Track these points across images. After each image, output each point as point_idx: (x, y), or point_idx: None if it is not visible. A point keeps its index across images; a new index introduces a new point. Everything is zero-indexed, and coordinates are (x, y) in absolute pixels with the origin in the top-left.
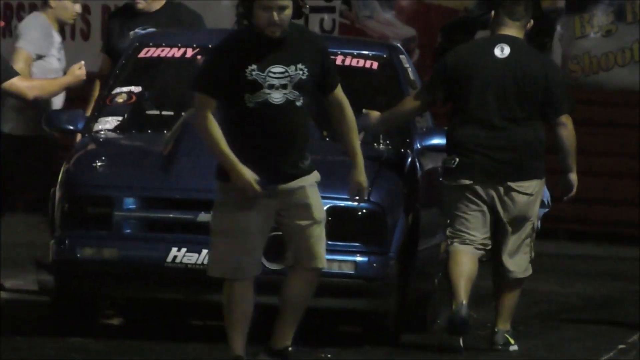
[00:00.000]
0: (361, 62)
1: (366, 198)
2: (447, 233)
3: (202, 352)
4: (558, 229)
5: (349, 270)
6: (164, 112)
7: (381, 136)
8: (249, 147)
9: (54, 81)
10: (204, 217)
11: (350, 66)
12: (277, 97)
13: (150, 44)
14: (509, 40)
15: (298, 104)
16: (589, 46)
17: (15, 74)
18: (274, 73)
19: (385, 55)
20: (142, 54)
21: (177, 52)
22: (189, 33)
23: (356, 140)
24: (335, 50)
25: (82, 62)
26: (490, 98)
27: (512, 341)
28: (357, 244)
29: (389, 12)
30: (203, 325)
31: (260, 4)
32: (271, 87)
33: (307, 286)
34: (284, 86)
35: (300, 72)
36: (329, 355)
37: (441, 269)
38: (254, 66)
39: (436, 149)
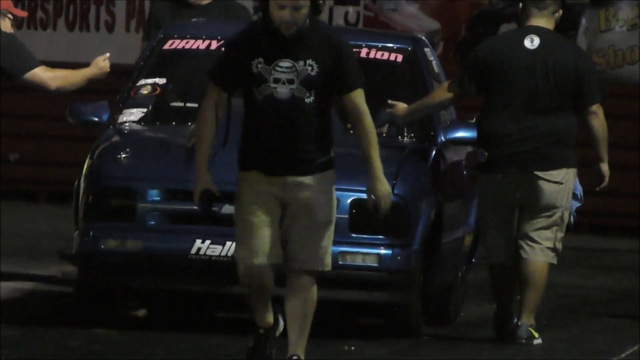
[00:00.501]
0: (386, 55)
1: (386, 207)
2: (482, 237)
3: (226, 344)
4: (581, 222)
5: (372, 262)
6: (188, 104)
7: (405, 129)
8: (256, 139)
9: (78, 72)
10: (228, 209)
11: (374, 59)
12: (282, 91)
13: (175, 35)
14: (538, 31)
15: (307, 100)
16: (613, 40)
17: (37, 64)
18: (281, 67)
19: (409, 48)
20: (166, 46)
21: (201, 44)
22: (214, 25)
23: (374, 151)
24: (359, 43)
25: (107, 54)
26: (520, 89)
27: (537, 335)
28: (380, 237)
29: (413, 4)
30: (227, 318)
31: (275, 2)
32: (277, 81)
33: (302, 294)
34: (291, 81)
35: (309, 68)
36: (352, 348)
37: (465, 263)
38: (261, 59)
39: (460, 141)
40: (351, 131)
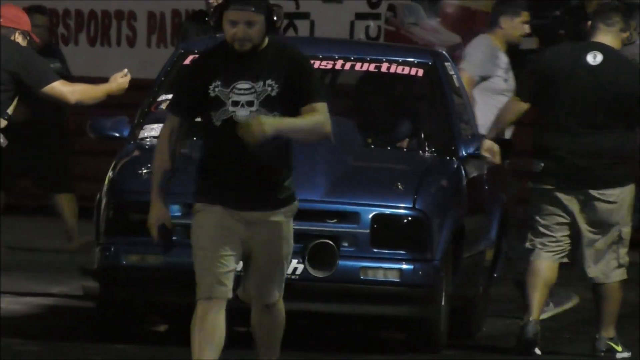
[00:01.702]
0: (406, 70)
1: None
2: (529, 236)
3: (246, 359)
4: None
5: (394, 277)
6: None
7: (426, 143)
8: (215, 167)
9: (97, 87)
10: None
11: (395, 73)
12: (242, 114)
13: (195, 51)
14: (602, 47)
15: None
16: (636, 52)
17: (56, 78)
18: (239, 89)
19: (430, 63)
20: (186, 61)
21: None
22: None
23: (297, 120)
24: (380, 58)
25: (126, 70)
26: (578, 104)
27: (619, 348)
28: (402, 252)
29: (434, 18)
30: (246, 332)
31: (227, 18)
32: (235, 104)
33: (266, 320)
34: (250, 103)
35: (269, 89)
36: None
37: (487, 277)
38: (218, 82)
39: (481, 156)
40: (372, 145)
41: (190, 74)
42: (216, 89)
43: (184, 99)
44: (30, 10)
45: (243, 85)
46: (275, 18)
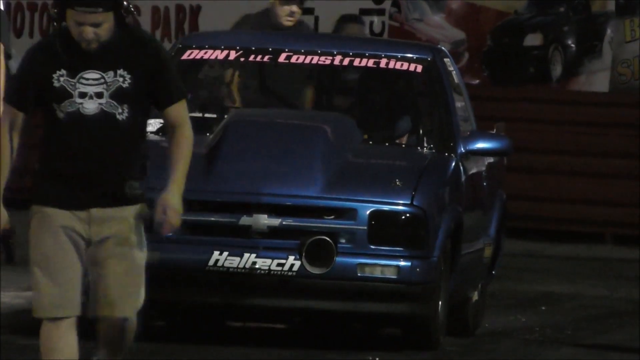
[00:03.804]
0: (405, 65)
1: (170, 223)
2: None
3: (242, 355)
4: (605, 233)
5: (391, 274)
6: (206, 115)
7: (425, 139)
8: (57, 164)
9: None
10: (246, 220)
11: (394, 69)
12: (89, 107)
13: (193, 45)
14: None
15: (120, 117)
16: (638, 50)
17: None
18: (87, 80)
19: (429, 59)
20: (184, 56)
21: (220, 54)
22: (232, 34)
23: (184, 164)
24: (379, 53)
25: None
26: None
27: None
28: (399, 249)
29: (438, 14)
30: (243, 328)
31: (72, 17)
32: (83, 95)
33: (118, 342)
34: (99, 95)
35: (121, 79)
36: (377, 359)
37: (486, 274)
38: (64, 71)
39: (480, 152)
40: (370, 142)
41: (29, 62)
42: (61, 79)
43: (22, 89)
44: (344, 19)
45: (91, 75)
46: (125, 9)
